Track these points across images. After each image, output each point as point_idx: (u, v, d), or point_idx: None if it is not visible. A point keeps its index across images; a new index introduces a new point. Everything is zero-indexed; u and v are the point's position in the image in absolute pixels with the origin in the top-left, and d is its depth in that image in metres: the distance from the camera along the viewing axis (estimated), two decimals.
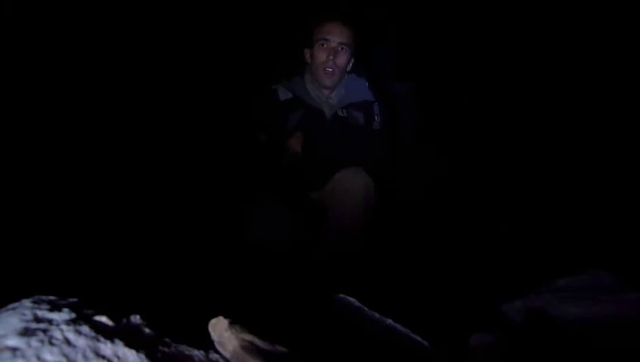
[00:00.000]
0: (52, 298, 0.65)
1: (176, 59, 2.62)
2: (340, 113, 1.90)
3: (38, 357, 0.54)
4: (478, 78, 2.92)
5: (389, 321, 0.96)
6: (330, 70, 1.83)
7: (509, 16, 2.88)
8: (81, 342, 0.58)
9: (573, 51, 2.75)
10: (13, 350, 0.54)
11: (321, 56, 1.83)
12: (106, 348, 0.58)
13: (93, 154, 2.20)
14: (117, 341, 0.59)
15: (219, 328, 0.68)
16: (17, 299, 0.64)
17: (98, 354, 0.57)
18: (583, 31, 2.70)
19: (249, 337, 0.67)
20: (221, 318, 0.69)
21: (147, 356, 0.59)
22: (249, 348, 0.65)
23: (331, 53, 1.82)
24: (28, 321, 0.59)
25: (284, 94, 1.89)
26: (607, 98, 2.61)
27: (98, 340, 0.59)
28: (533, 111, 2.80)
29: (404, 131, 2.46)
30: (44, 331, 0.57)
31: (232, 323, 0.68)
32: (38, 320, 0.59)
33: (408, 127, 2.55)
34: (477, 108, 2.91)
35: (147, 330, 0.66)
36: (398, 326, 0.94)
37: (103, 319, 0.63)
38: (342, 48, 1.83)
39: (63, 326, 0.59)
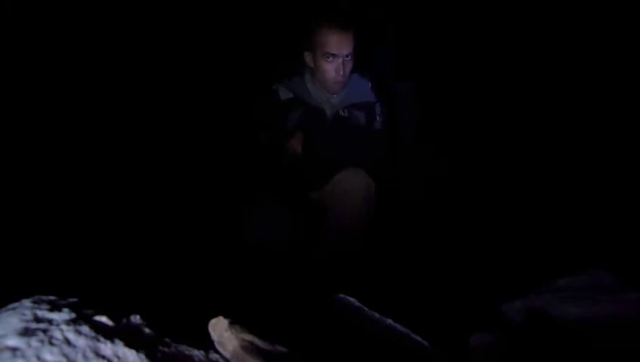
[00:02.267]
0: (52, 298, 0.65)
1: (176, 60, 2.62)
2: (342, 113, 1.90)
3: (38, 357, 0.54)
4: (478, 78, 2.92)
5: (389, 321, 0.96)
6: (341, 80, 1.83)
7: (509, 16, 2.88)
8: (81, 342, 0.58)
9: (573, 51, 2.75)
10: (13, 350, 0.54)
11: (330, 70, 1.81)
12: (106, 348, 0.58)
13: (94, 154, 2.21)
14: (117, 341, 0.60)
15: (219, 328, 0.68)
16: (17, 299, 0.64)
17: (98, 354, 0.57)
18: (583, 31, 2.70)
19: (249, 337, 0.67)
20: (221, 318, 0.69)
21: (147, 356, 0.59)
22: (249, 348, 0.65)
23: (340, 67, 1.80)
24: (28, 321, 0.59)
25: (284, 94, 1.89)
26: (607, 98, 2.61)
27: (98, 340, 0.59)
28: (533, 111, 2.80)
29: (404, 131, 2.46)
30: (44, 331, 0.57)
31: (232, 323, 0.68)
32: (38, 320, 0.59)
33: (408, 127, 2.55)
34: (477, 108, 2.91)
35: (147, 330, 0.66)
36: (398, 326, 0.94)
37: (103, 319, 0.63)
38: (348, 56, 1.81)
39: (63, 326, 0.59)
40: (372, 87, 1.95)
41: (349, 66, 1.83)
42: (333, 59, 1.80)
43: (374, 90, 1.95)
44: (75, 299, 0.66)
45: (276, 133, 1.83)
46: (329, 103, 1.90)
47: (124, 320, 0.66)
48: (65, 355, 0.55)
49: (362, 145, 1.85)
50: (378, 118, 1.92)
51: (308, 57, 1.87)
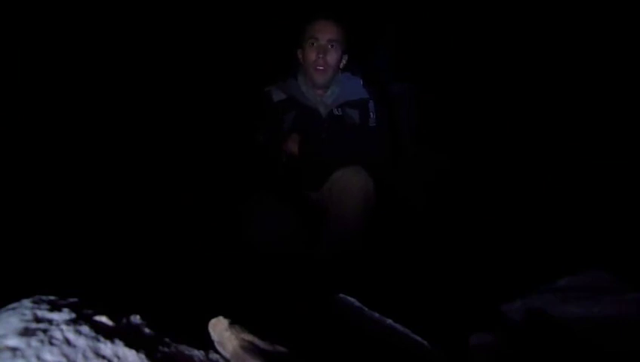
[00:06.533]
0: (52, 298, 0.65)
1: (175, 62, 2.62)
2: (336, 112, 1.90)
3: (38, 357, 0.54)
4: (477, 78, 2.91)
5: (389, 321, 0.95)
6: (321, 68, 1.83)
7: (509, 16, 2.88)
8: (81, 342, 0.58)
9: (572, 51, 2.75)
10: (13, 350, 0.54)
11: (312, 55, 1.83)
12: (106, 348, 0.58)
13: (93, 154, 2.21)
14: (117, 341, 0.59)
15: (219, 328, 0.68)
16: (17, 299, 0.64)
17: (98, 354, 0.57)
18: (583, 31, 2.70)
19: (249, 337, 0.67)
20: (221, 318, 0.69)
21: (147, 356, 0.59)
22: (249, 348, 0.65)
23: (321, 51, 1.82)
24: (28, 321, 0.59)
25: (277, 95, 1.89)
26: (607, 98, 2.61)
27: (98, 340, 0.59)
28: (533, 112, 2.80)
29: (403, 131, 2.46)
30: (44, 331, 0.57)
31: (232, 323, 0.68)
32: (38, 320, 0.59)
33: (406, 127, 2.55)
34: (476, 108, 2.91)
35: (147, 330, 0.66)
36: (398, 326, 0.94)
37: (103, 319, 0.63)
38: (332, 45, 1.83)
39: (63, 326, 0.59)
40: (364, 84, 1.96)
41: (331, 55, 1.84)
42: (316, 43, 1.82)
43: (366, 87, 1.96)
44: (75, 299, 0.66)
45: (272, 135, 1.84)
46: (323, 103, 1.90)
47: (124, 320, 0.66)
48: (65, 355, 0.55)
49: (359, 143, 1.85)
50: (372, 115, 1.92)
51: (299, 55, 1.89)
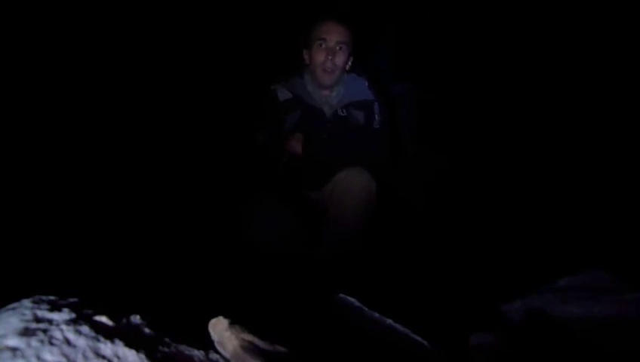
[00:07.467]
0: (52, 298, 0.65)
1: (176, 61, 2.62)
2: (340, 112, 1.90)
3: (38, 357, 0.54)
4: (476, 78, 2.91)
5: (389, 321, 0.96)
6: (330, 69, 1.83)
7: (509, 16, 2.88)
8: (81, 342, 0.58)
9: (572, 51, 2.75)
10: (13, 350, 0.54)
11: (320, 56, 1.83)
12: (106, 348, 0.58)
13: (93, 154, 2.21)
14: (117, 341, 0.59)
15: (219, 328, 0.68)
16: (17, 299, 0.64)
17: (98, 354, 0.57)
18: (583, 31, 2.70)
19: (249, 337, 0.67)
20: (221, 318, 0.69)
21: (147, 356, 0.59)
22: (249, 348, 0.65)
23: (330, 52, 1.82)
24: (28, 321, 0.59)
25: (283, 94, 1.89)
26: (607, 98, 2.61)
27: (98, 340, 0.59)
28: (533, 112, 2.80)
29: (403, 131, 2.46)
30: (44, 331, 0.57)
31: (232, 323, 0.68)
32: (38, 320, 0.59)
33: (407, 127, 2.55)
34: (476, 108, 2.91)
35: (147, 330, 0.66)
36: (398, 326, 0.94)
37: (103, 319, 0.63)
38: (340, 47, 1.83)
39: (63, 326, 0.59)
40: (369, 85, 1.96)
41: (340, 57, 1.84)
42: (324, 45, 1.82)
43: (371, 88, 1.96)
44: (75, 299, 0.66)
45: (275, 133, 1.84)
46: (328, 103, 1.91)
47: (124, 320, 0.66)
48: (65, 355, 0.55)
49: (362, 144, 1.85)
50: (377, 116, 1.92)
51: (306, 55, 1.89)
